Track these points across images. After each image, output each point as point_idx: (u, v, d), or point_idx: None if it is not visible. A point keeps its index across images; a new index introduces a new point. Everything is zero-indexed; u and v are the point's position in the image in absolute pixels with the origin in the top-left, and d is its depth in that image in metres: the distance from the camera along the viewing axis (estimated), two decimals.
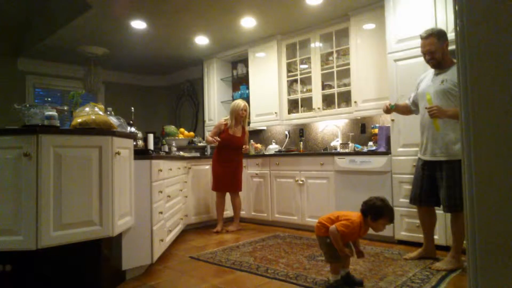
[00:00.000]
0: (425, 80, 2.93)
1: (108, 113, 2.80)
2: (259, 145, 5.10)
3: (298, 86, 4.81)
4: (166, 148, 4.22)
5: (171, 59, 6.04)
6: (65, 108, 2.76)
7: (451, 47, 2.82)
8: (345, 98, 4.38)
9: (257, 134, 5.54)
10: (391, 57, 3.52)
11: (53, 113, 2.28)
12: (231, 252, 3.32)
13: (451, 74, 2.72)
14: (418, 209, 2.95)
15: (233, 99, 5.22)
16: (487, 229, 0.93)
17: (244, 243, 3.66)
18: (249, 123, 5.17)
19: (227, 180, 4.27)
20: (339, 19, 4.33)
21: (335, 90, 4.43)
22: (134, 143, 2.92)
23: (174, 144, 4.61)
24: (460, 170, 2.53)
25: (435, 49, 2.74)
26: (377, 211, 2.27)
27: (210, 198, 4.60)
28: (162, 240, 2.98)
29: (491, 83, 0.93)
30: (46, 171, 2.05)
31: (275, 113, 4.89)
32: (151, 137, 3.48)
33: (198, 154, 5.04)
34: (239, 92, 5.52)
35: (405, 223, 3.38)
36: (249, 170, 4.73)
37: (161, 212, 2.98)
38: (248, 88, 5.35)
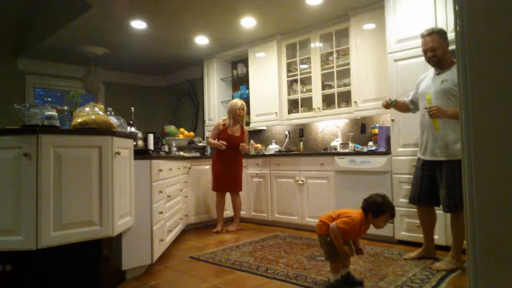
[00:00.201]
0: (425, 80, 2.93)
1: (108, 113, 2.80)
2: (259, 145, 5.10)
3: (298, 86, 4.81)
4: (166, 148, 4.22)
5: (171, 59, 6.04)
6: (65, 108, 2.77)
7: (451, 47, 2.82)
8: (345, 98, 4.38)
9: (257, 134, 5.54)
10: (391, 57, 3.52)
11: (53, 113, 2.28)
12: (231, 252, 3.32)
13: (451, 74, 2.72)
14: (418, 209, 2.95)
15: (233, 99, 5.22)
16: (487, 229, 0.93)
17: (244, 243, 3.66)
18: (248, 123, 5.18)
19: (227, 180, 4.27)
20: (339, 19, 4.33)
21: (335, 90, 4.43)
22: (134, 143, 2.92)
23: (174, 144, 4.61)
24: (460, 170, 2.53)
25: (437, 46, 2.75)
26: (378, 207, 2.28)
27: (210, 198, 4.60)
28: (162, 240, 2.98)
29: (491, 83, 0.93)
30: (46, 171, 2.05)
31: (275, 113, 4.89)
32: (151, 137, 3.47)
33: (198, 154, 5.04)
34: (239, 92, 5.52)
35: (405, 223, 3.38)
36: (249, 170, 4.73)
37: (161, 212, 2.98)
38: (248, 88, 5.35)
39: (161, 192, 3.01)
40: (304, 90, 4.79)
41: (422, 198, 2.87)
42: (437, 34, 2.77)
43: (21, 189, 2.02)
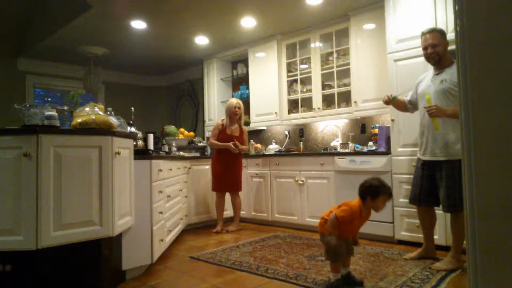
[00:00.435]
0: (424, 80, 2.93)
1: (108, 113, 2.80)
2: (259, 145, 5.10)
3: (298, 86, 4.81)
4: (166, 148, 4.22)
5: (171, 59, 6.04)
6: (65, 108, 2.77)
7: (451, 47, 2.83)
8: (345, 98, 4.38)
9: (257, 134, 5.54)
10: (391, 57, 3.52)
11: (53, 113, 2.28)
12: (231, 252, 3.32)
13: (451, 74, 2.72)
14: (418, 209, 2.95)
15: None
16: (487, 229, 0.93)
17: (244, 243, 3.66)
18: (248, 123, 5.18)
19: (226, 180, 4.27)
20: (339, 19, 4.33)
21: (335, 90, 4.43)
22: (134, 143, 2.92)
23: (174, 144, 4.61)
24: (460, 170, 2.53)
25: (438, 43, 2.76)
26: (375, 189, 2.29)
27: (210, 198, 4.60)
28: (162, 240, 2.98)
29: (491, 83, 0.93)
30: (46, 171, 2.05)
31: (275, 113, 4.89)
32: (151, 137, 3.47)
33: (198, 154, 5.04)
34: (239, 92, 5.52)
35: (405, 223, 3.38)
36: (249, 170, 4.73)
37: (161, 212, 2.98)
38: (248, 88, 5.35)
39: (161, 192, 3.01)
40: (304, 90, 4.79)
41: (422, 198, 2.87)
42: (438, 32, 2.79)
43: (21, 189, 2.02)
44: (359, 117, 4.25)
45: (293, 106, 4.92)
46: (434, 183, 2.80)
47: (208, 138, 4.73)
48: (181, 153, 4.54)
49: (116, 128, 2.47)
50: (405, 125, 3.39)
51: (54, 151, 2.08)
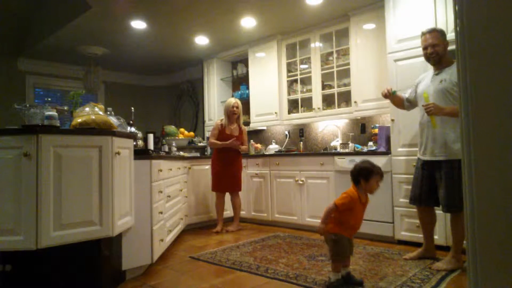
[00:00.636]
0: (424, 80, 2.94)
1: (108, 113, 2.80)
2: (259, 145, 5.10)
3: (298, 86, 4.81)
4: (166, 148, 4.22)
5: (171, 59, 6.04)
6: (65, 108, 2.76)
7: (451, 47, 2.83)
8: (345, 98, 4.38)
9: (257, 134, 5.54)
10: (391, 57, 3.52)
11: (53, 113, 2.28)
12: (231, 252, 3.32)
13: (450, 74, 2.73)
14: (418, 209, 2.95)
15: None
16: (487, 229, 0.93)
17: (244, 243, 3.66)
18: (248, 123, 5.18)
19: (226, 180, 4.27)
20: (339, 19, 4.33)
21: (335, 90, 4.43)
22: (134, 143, 2.92)
23: (174, 144, 4.61)
24: (459, 170, 2.54)
25: (438, 42, 2.76)
26: (366, 171, 2.34)
27: (210, 198, 4.60)
28: (162, 240, 2.98)
29: (491, 83, 0.93)
30: (46, 171, 2.05)
31: (275, 113, 4.89)
32: (151, 137, 3.48)
33: (198, 154, 5.04)
34: (239, 92, 5.52)
35: (405, 223, 3.37)
36: (249, 170, 4.73)
37: (161, 212, 2.98)
38: (248, 88, 5.35)
39: (161, 192, 3.01)
40: (304, 90, 4.79)
41: (422, 198, 2.87)
42: (438, 32, 2.80)
43: (21, 189, 2.02)
44: (359, 117, 4.25)
45: (293, 106, 4.92)
46: (434, 183, 2.80)
47: (208, 138, 4.73)
48: (181, 153, 4.54)
49: (116, 128, 2.47)
50: (405, 125, 3.39)
51: (54, 151, 2.08)
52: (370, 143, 4.01)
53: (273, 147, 4.94)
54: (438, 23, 3.20)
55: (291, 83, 4.95)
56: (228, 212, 4.56)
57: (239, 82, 5.71)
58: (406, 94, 3.10)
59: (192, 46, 5.37)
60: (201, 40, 5.11)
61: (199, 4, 3.97)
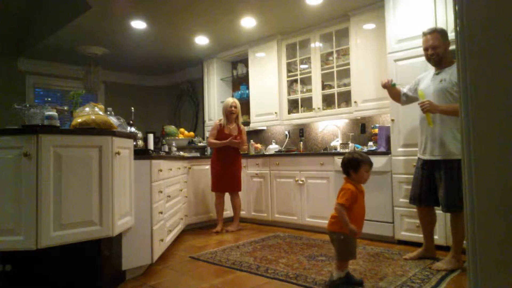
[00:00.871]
0: (425, 79, 2.94)
1: (108, 113, 2.80)
2: (259, 145, 5.10)
3: (298, 86, 4.81)
4: (166, 148, 4.22)
5: (171, 59, 6.04)
6: (65, 108, 2.76)
7: (451, 47, 2.83)
8: (345, 98, 4.38)
9: (257, 134, 5.54)
10: (391, 57, 3.52)
11: (53, 113, 2.28)
12: (231, 252, 3.32)
13: (450, 74, 2.73)
14: (418, 209, 2.95)
15: None
16: (487, 229, 0.93)
17: (244, 243, 3.66)
18: (248, 123, 5.18)
19: (226, 180, 4.27)
20: (339, 19, 4.33)
21: (335, 90, 4.43)
22: (134, 143, 2.92)
23: (174, 144, 4.61)
24: (459, 170, 2.54)
25: (438, 44, 2.76)
26: (354, 162, 2.36)
27: (210, 198, 4.60)
28: (162, 240, 2.98)
29: (491, 83, 0.93)
30: (46, 171, 2.05)
31: (275, 113, 4.89)
32: (151, 137, 3.47)
33: (198, 154, 5.04)
34: (239, 92, 5.52)
35: (405, 223, 3.37)
36: (249, 170, 4.73)
37: (161, 212, 2.98)
38: (248, 88, 5.35)
39: (161, 192, 3.01)
40: (304, 90, 4.79)
41: (422, 198, 2.87)
42: (439, 33, 2.79)
43: (21, 189, 2.02)
44: (359, 117, 4.25)
45: (293, 106, 4.92)
46: (434, 183, 2.80)
47: (208, 138, 4.73)
48: (181, 153, 4.54)
49: (116, 128, 2.47)
50: (405, 125, 3.39)
51: (54, 151, 2.08)
52: (370, 143, 4.01)
53: (273, 147, 4.94)
54: (438, 23, 3.20)
55: (291, 83, 4.95)
56: (228, 212, 4.56)
57: (239, 82, 5.71)
58: (404, 89, 3.10)
59: (192, 46, 5.37)
60: (201, 40, 5.11)
61: (199, 4, 3.98)
